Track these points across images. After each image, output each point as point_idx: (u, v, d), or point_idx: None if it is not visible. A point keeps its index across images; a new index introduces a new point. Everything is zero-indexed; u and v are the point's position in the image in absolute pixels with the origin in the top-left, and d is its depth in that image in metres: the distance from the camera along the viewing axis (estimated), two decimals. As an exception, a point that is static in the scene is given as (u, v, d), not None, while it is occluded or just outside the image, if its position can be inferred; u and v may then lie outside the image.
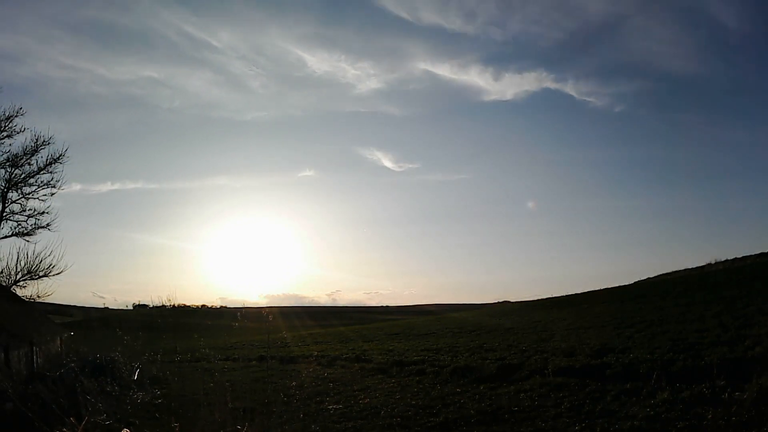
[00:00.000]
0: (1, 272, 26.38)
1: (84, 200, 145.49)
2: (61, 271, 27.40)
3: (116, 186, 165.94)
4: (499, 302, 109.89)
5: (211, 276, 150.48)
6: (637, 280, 46.55)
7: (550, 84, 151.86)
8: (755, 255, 38.74)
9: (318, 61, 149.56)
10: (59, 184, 28.03)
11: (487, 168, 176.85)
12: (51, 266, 27.08)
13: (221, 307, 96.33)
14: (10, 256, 28.89)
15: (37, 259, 26.89)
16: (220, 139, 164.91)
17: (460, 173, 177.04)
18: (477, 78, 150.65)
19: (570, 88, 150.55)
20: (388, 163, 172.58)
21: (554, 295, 49.08)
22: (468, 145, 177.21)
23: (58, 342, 26.29)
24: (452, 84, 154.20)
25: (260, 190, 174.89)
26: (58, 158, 28.00)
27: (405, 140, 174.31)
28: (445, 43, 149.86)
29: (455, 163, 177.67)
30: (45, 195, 28.06)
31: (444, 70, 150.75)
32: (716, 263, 40.49)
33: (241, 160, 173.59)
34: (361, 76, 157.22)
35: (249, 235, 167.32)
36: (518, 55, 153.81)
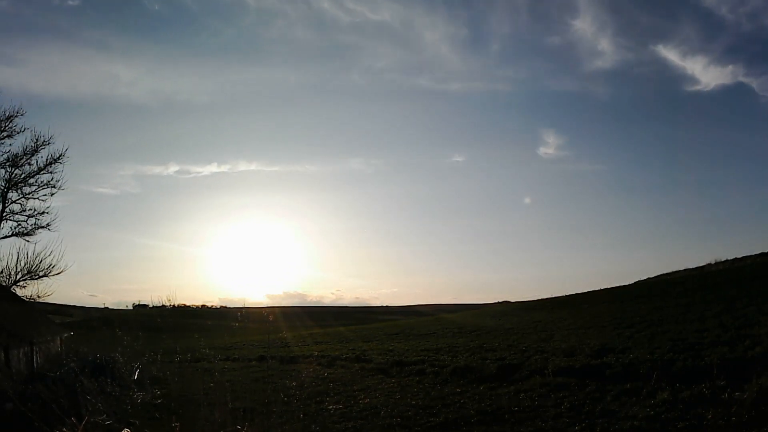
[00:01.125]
0: (1, 272, 26.42)
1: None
2: (61, 271, 27.45)
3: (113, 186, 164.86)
4: (499, 302, 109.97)
5: (210, 276, 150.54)
6: (637, 280, 46.52)
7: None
8: (755, 255, 38.72)
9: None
10: (59, 184, 28.11)
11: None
12: (51, 266, 27.14)
13: (221, 307, 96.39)
14: (10, 256, 28.92)
15: (37, 259, 26.93)
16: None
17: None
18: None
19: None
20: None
21: (554, 295, 49.09)
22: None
23: (58, 342, 26.29)
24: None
25: (259, 187, 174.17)
26: (58, 158, 28.07)
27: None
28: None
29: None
30: (45, 195, 28.13)
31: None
32: (716, 263, 40.47)
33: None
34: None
35: (248, 235, 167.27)
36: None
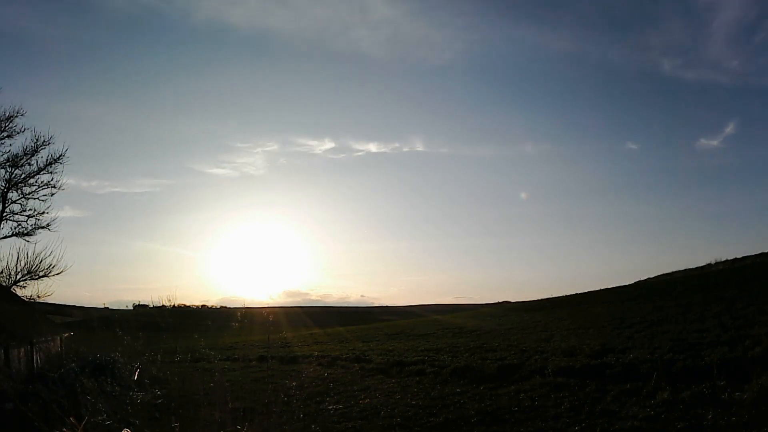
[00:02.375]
0: (1, 272, 26.44)
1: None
2: (61, 271, 27.48)
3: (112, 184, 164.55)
4: (499, 302, 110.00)
5: (210, 276, 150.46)
6: (637, 280, 46.54)
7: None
8: (755, 255, 38.71)
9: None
10: (59, 184, 28.13)
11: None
12: (51, 266, 27.16)
13: (221, 307, 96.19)
14: (10, 256, 28.98)
15: (37, 259, 26.95)
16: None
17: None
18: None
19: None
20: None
21: (554, 295, 49.10)
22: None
23: (58, 342, 26.28)
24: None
25: (258, 184, 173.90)
26: (58, 158, 28.10)
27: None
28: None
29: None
30: (45, 195, 28.15)
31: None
32: (716, 263, 40.46)
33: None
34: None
35: (248, 235, 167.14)
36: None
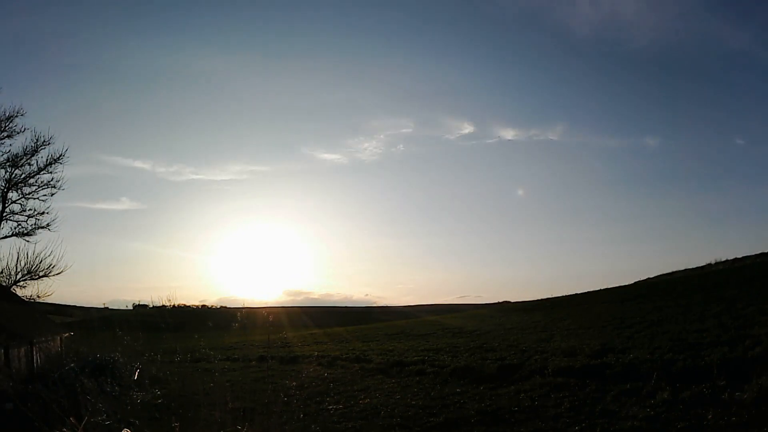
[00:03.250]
0: (1, 272, 26.47)
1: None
2: (61, 271, 27.51)
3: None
4: (499, 302, 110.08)
5: (210, 276, 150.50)
6: (637, 280, 46.59)
7: None
8: (755, 255, 38.75)
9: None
10: (59, 184, 28.15)
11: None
12: (51, 266, 27.18)
13: (221, 307, 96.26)
14: (10, 256, 29.01)
15: (37, 259, 26.98)
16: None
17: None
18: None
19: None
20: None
21: (554, 295, 49.13)
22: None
23: (58, 342, 26.29)
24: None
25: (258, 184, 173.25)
26: (58, 158, 28.13)
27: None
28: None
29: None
30: (45, 195, 28.18)
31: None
32: (716, 263, 40.51)
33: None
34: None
35: (247, 235, 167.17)
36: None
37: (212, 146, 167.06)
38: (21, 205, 27.93)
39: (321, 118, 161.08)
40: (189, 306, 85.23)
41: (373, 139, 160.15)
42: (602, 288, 44.11)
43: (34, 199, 28.07)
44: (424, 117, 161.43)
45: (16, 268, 26.61)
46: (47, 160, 27.92)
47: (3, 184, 27.47)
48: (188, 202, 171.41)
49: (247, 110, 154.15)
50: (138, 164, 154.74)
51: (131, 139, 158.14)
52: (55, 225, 28.27)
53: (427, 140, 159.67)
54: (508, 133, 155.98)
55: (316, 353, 27.00)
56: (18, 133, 27.44)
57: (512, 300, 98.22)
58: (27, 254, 27.99)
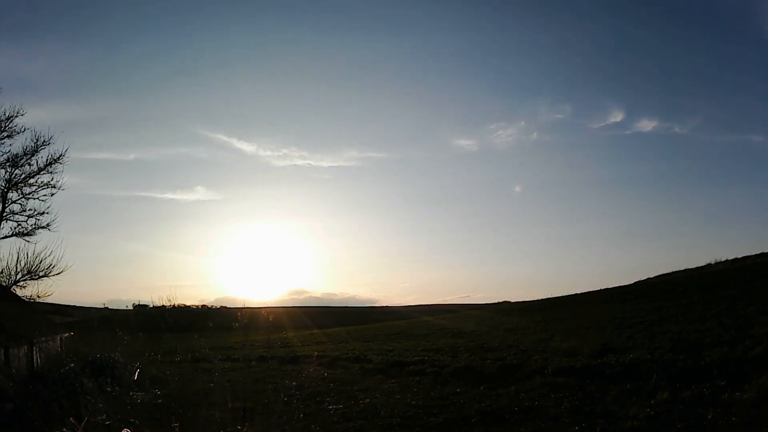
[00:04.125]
0: (1, 272, 26.45)
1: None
2: (61, 271, 27.48)
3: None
4: (499, 302, 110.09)
5: (210, 276, 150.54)
6: (637, 280, 46.54)
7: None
8: (755, 255, 38.74)
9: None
10: (59, 184, 28.14)
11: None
12: (51, 266, 27.17)
13: (221, 307, 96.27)
14: (10, 256, 28.98)
15: (37, 259, 26.96)
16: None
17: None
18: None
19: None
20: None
21: (554, 295, 49.12)
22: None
23: (58, 342, 26.28)
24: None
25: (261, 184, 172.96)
26: (58, 158, 28.09)
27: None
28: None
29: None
30: (45, 195, 28.16)
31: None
32: (716, 263, 40.46)
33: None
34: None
35: (247, 234, 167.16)
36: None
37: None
38: (21, 205, 27.91)
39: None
40: (189, 306, 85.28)
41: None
42: (602, 288, 44.09)
43: (34, 199, 28.06)
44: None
45: (16, 268, 26.60)
46: (47, 160, 27.90)
47: (3, 184, 27.46)
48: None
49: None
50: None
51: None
52: (55, 225, 28.25)
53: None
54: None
55: (316, 353, 27.00)
56: (18, 133, 27.42)
57: (512, 300, 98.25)
58: (27, 254, 27.97)
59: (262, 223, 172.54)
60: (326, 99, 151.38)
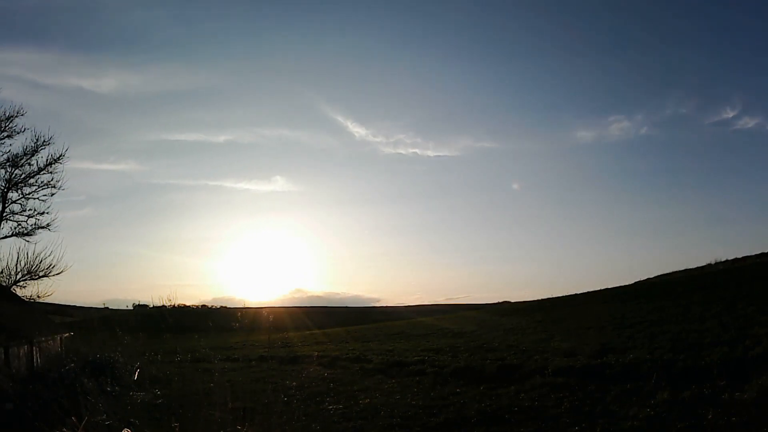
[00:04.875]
0: (1, 272, 26.47)
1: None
2: (61, 271, 27.51)
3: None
4: (499, 302, 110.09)
5: (210, 276, 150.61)
6: (637, 280, 46.59)
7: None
8: (755, 255, 38.80)
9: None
10: (59, 184, 28.15)
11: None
12: (51, 266, 27.18)
13: (221, 307, 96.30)
14: (10, 256, 29.00)
15: (37, 259, 26.97)
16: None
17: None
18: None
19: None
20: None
21: (554, 296, 49.15)
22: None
23: (58, 342, 26.29)
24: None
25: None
26: (58, 158, 28.11)
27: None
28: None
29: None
30: (45, 195, 28.17)
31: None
32: (716, 263, 40.52)
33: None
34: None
35: (247, 234, 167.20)
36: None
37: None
38: (21, 205, 27.94)
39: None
40: (189, 306, 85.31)
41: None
42: (602, 288, 44.15)
43: (34, 199, 28.08)
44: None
45: (16, 268, 26.62)
46: (47, 160, 27.93)
47: (3, 184, 27.48)
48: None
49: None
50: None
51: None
52: (55, 225, 28.27)
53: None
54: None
55: (316, 353, 27.00)
56: (18, 133, 27.45)
57: (512, 300, 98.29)
58: (27, 254, 28.00)
59: (261, 223, 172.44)
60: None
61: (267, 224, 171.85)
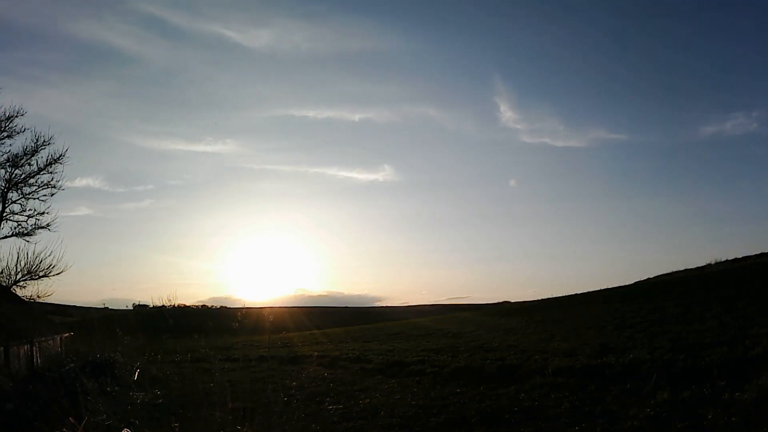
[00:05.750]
0: (1, 272, 26.46)
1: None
2: (61, 271, 27.49)
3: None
4: (499, 302, 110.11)
5: (211, 276, 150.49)
6: (637, 280, 46.55)
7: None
8: (755, 255, 38.79)
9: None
10: (59, 184, 28.15)
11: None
12: (51, 266, 27.17)
13: (221, 307, 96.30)
14: (10, 256, 28.99)
15: (37, 259, 26.96)
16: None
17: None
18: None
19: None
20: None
21: (554, 295, 49.13)
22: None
23: (58, 342, 26.30)
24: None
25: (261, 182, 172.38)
26: (58, 158, 28.10)
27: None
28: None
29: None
30: (45, 195, 28.17)
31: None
32: (716, 263, 40.50)
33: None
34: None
35: (247, 234, 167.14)
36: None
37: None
38: (21, 205, 27.93)
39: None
40: (189, 306, 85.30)
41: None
42: (602, 288, 44.13)
43: (34, 199, 28.07)
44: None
45: (16, 268, 26.60)
46: (47, 160, 27.92)
47: (3, 184, 27.47)
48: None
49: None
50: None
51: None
52: (55, 225, 28.27)
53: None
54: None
55: (316, 353, 27.00)
56: (18, 133, 27.44)
57: (512, 300, 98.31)
58: (27, 254, 28.00)
59: (261, 223, 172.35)
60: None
61: (266, 224, 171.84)
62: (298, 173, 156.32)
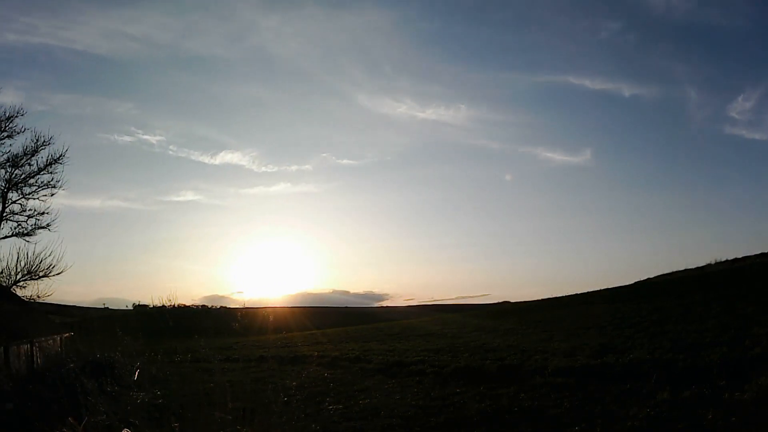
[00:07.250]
0: (1, 272, 26.41)
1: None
2: (62, 271, 27.43)
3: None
4: (499, 302, 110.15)
5: (211, 276, 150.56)
6: (637, 280, 46.57)
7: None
8: (755, 255, 38.79)
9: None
10: (59, 184, 28.13)
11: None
12: (51, 266, 27.13)
13: (221, 307, 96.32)
14: (10, 256, 28.90)
15: (37, 259, 26.91)
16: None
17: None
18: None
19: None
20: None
21: (554, 295, 49.14)
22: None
23: (58, 342, 26.31)
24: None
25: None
26: (59, 158, 28.04)
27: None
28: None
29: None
30: (45, 195, 28.15)
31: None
32: (716, 263, 40.52)
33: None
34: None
35: (248, 234, 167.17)
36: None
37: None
38: (21, 205, 27.87)
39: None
40: (189, 306, 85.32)
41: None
42: (602, 288, 44.14)
43: (34, 199, 28.03)
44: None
45: (16, 268, 26.52)
46: (47, 160, 27.85)
47: (3, 184, 27.41)
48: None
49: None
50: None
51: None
52: (55, 225, 28.24)
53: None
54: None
55: (316, 353, 26.99)
56: (18, 133, 27.40)
57: (512, 300, 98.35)
58: (27, 254, 27.86)
59: (261, 223, 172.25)
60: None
61: (267, 223, 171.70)
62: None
